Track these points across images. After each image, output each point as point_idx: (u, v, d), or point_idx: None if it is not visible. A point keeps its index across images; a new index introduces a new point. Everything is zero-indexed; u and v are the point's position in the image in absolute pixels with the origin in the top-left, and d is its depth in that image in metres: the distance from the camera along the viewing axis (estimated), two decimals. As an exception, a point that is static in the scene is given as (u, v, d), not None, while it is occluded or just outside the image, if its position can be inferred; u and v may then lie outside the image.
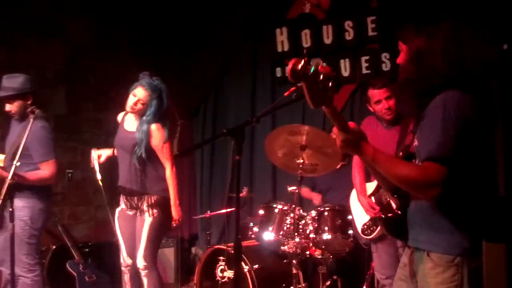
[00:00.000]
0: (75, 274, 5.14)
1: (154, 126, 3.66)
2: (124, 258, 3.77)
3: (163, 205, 3.67)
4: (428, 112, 1.93)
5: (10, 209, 3.44)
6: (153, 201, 3.66)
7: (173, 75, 6.15)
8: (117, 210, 3.83)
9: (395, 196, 2.02)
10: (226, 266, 4.07)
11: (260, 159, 5.54)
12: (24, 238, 3.70)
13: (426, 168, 1.85)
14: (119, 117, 3.91)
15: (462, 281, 1.93)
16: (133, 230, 3.73)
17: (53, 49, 5.60)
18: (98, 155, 3.83)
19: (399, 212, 2.00)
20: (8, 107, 3.78)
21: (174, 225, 3.70)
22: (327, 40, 5.14)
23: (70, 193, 5.63)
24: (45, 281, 5.06)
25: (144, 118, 3.67)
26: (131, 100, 3.68)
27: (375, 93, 3.58)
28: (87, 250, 5.38)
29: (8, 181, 3.38)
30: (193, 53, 6.12)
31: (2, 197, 3.41)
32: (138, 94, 3.66)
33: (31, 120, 3.47)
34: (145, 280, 3.66)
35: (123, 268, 3.77)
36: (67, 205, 5.63)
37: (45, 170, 3.73)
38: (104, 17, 5.88)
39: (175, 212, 3.67)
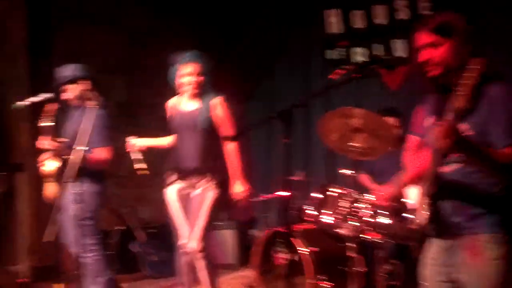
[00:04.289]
0: (139, 254, 5.38)
1: (217, 100, 3.60)
2: (184, 240, 3.66)
3: (222, 187, 3.60)
4: (494, 103, 2.02)
5: (76, 192, 3.63)
6: (214, 182, 3.57)
7: (226, 60, 6.21)
8: (171, 189, 3.72)
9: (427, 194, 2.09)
10: (282, 249, 4.10)
11: (316, 142, 5.53)
12: (79, 220, 3.77)
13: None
14: (170, 103, 3.82)
15: (510, 257, 2.05)
16: (189, 210, 3.63)
17: (112, 38, 5.78)
18: (138, 145, 3.71)
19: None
20: (65, 95, 3.92)
21: (242, 198, 3.57)
22: (379, 20, 5.02)
23: (134, 175, 5.81)
24: (112, 261, 5.34)
25: (203, 92, 3.61)
26: (186, 81, 3.60)
27: None
28: (150, 231, 5.59)
29: (74, 166, 3.52)
30: (246, 37, 6.13)
31: (68, 180, 3.56)
32: (188, 70, 3.59)
33: (94, 107, 3.65)
34: (202, 264, 3.57)
35: (183, 250, 3.66)
36: (132, 187, 5.83)
37: (103, 154, 3.83)
38: (159, 4, 5.99)
39: (241, 185, 3.55)
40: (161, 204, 5.88)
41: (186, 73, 3.61)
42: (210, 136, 3.59)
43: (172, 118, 3.76)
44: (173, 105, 3.80)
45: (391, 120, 4.45)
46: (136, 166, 3.64)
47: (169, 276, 5.14)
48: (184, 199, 3.65)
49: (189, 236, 3.58)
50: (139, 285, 5.10)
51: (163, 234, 5.42)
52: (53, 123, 3.77)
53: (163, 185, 3.80)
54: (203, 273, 3.58)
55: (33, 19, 5.35)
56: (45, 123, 3.73)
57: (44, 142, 3.71)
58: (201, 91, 3.64)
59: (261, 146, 6.27)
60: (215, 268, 3.69)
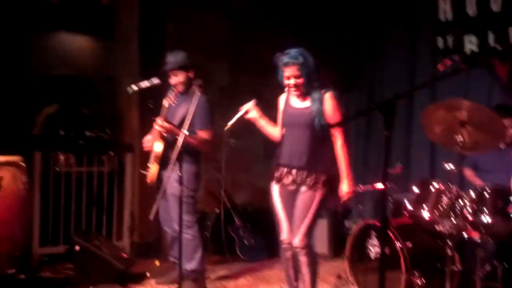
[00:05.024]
0: (235, 237, 5.55)
1: (327, 95, 3.57)
2: (287, 236, 3.66)
3: (330, 183, 3.60)
4: None
5: (179, 174, 3.75)
6: (323, 180, 3.57)
7: (327, 47, 6.15)
8: (275, 186, 3.71)
9: None
10: (377, 241, 4.05)
11: (418, 135, 5.35)
12: (181, 199, 3.88)
13: None
14: (282, 98, 3.77)
15: None
16: (295, 206, 3.63)
17: (216, 22, 5.95)
18: (247, 111, 3.69)
19: None
20: (173, 79, 4.18)
21: (346, 198, 3.61)
22: (495, 7, 4.73)
23: (232, 160, 5.92)
24: (210, 241, 5.57)
25: (308, 91, 3.57)
26: (287, 83, 3.57)
27: None
28: (246, 215, 5.74)
29: (179, 148, 3.71)
30: (349, 24, 6.03)
31: (173, 161, 3.75)
32: (288, 73, 3.54)
33: (198, 92, 3.84)
34: (304, 259, 3.60)
35: (284, 246, 3.68)
36: (229, 172, 5.98)
37: (205, 137, 4.10)
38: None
39: (347, 185, 3.58)
40: (257, 190, 6.06)
41: (286, 76, 3.57)
42: (320, 133, 3.57)
43: (283, 112, 3.73)
44: (285, 99, 3.76)
45: (505, 120, 4.19)
46: (230, 122, 3.66)
47: (260, 260, 5.34)
48: (288, 195, 3.66)
49: (293, 232, 3.62)
50: (228, 266, 5.25)
51: (257, 219, 5.57)
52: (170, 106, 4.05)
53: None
54: (304, 269, 3.63)
55: (144, 4, 5.63)
56: (165, 104, 4.09)
57: (160, 122, 4.02)
58: (305, 91, 3.59)
59: (360, 135, 6.18)
60: (317, 264, 3.72)
